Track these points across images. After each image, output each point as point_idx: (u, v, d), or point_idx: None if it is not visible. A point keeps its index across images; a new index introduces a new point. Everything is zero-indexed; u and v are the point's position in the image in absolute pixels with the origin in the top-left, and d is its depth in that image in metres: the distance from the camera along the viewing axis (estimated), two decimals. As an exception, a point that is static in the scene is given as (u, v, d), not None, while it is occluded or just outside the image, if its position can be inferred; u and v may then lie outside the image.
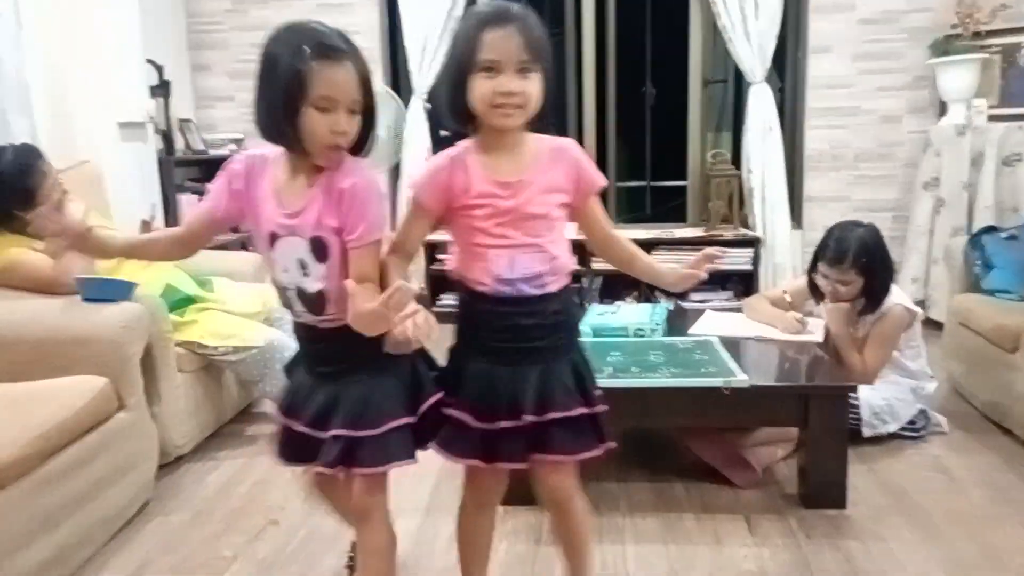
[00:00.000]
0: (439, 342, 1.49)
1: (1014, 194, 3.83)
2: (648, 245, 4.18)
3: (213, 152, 4.60)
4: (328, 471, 1.48)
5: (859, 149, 4.57)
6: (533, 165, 1.48)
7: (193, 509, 2.38)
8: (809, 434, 2.27)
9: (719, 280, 4.48)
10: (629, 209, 5.65)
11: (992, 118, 4.05)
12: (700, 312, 2.96)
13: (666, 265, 1.68)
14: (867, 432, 2.66)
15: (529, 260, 1.48)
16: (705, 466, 2.47)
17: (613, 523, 2.23)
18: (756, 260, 4.52)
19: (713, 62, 5.02)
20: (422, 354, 1.55)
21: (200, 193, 4.38)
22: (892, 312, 2.66)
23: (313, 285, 1.48)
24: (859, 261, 2.60)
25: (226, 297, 2.97)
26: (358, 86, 1.41)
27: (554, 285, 1.52)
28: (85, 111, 3.42)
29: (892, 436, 2.70)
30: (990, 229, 3.28)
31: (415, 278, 4.30)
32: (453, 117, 1.49)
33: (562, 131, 1.84)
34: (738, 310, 2.94)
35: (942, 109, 4.33)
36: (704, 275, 1.60)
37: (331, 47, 1.38)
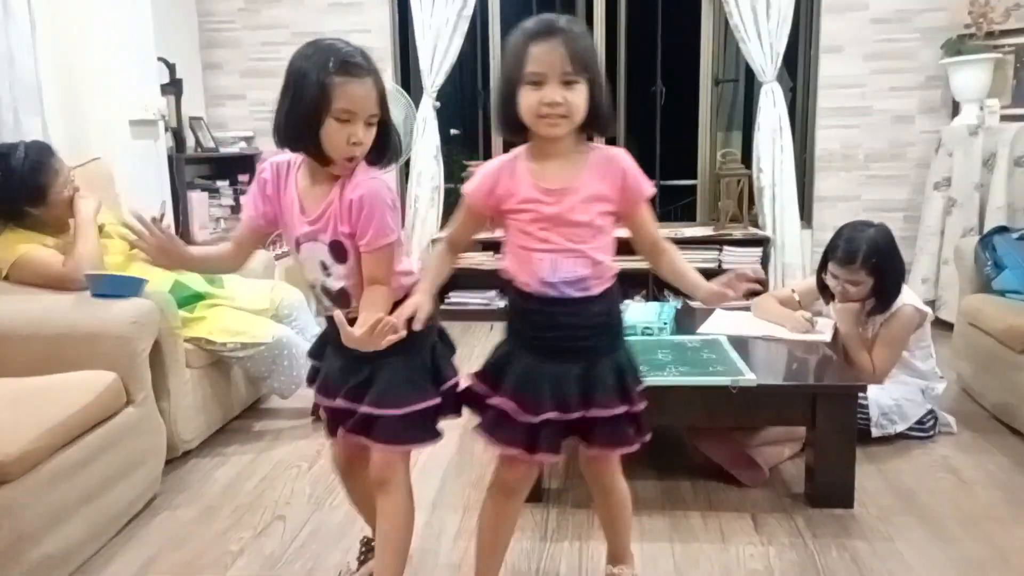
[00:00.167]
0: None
1: (1026, 195, 3.80)
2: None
3: (224, 150, 4.63)
4: (352, 436, 1.63)
5: (870, 149, 4.56)
6: (580, 173, 1.54)
7: (200, 504, 2.39)
8: (817, 434, 2.26)
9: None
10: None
11: (1005, 118, 4.03)
12: (708, 311, 2.96)
13: (704, 281, 1.64)
14: (876, 432, 2.64)
15: (571, 264, 1.54)
16: (712, 465, 2.46)
17: (619, 521, 2.22)
18: (765, 260, 4.51)
19: (724, 61, 5.01)
20: (441, 336, 1.71)
21: (210, 190, 4.41)
22: (902, 312, 2.65)
23: (335, 284, 1.62)
24: (869, 261, 2.58)
25: (235, 294, 2.98)
26: (376, 102, 1.53)
27: (597, 288, 1.57)
28: (97, 109, 3.44)
29: (900, 436, 2.69)
30: (1001, 230, 3.25)
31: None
32: (505, 127, 1.56)
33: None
34: (747, 309, 2.94)
35: (954, 109, 4.31)
36: (732, 294, 1.58)
37: (354, 64, 1.49)
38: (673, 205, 5.54)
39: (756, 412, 2.30)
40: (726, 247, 4.52)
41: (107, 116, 3.48)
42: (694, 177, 4.88)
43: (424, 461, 2.57)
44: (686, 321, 2.82)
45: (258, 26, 4.77)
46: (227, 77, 4.87)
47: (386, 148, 1.60)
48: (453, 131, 5.54)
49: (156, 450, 2.41)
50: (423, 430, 1.63)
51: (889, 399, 2.67)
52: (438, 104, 4.69)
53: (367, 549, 1.95)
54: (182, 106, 4.27)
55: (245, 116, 4.86)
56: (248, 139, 4.80)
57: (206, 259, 1.74)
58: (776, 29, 4.35)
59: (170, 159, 4.00)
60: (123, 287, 2.41)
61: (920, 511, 2.26)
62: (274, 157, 1.65)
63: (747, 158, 4.66)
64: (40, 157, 2.57)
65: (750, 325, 2.77)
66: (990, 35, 4.04)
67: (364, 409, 1.60)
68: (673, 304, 2.96)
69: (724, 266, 4.47)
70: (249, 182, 4.79)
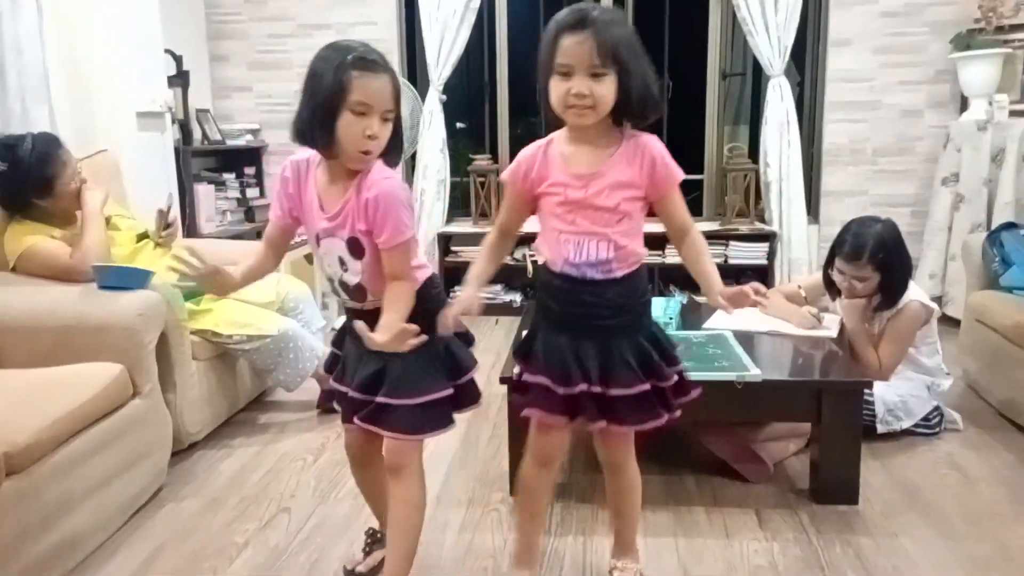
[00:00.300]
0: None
1: (1034, 191, 3.78)
2: (663, 239, 4.16)
3: (230, 142, 4.63)
4: (364, 425, 1.67)
5: (878, 144, 4.54)
6: (609, 160, 1.57)
7: (206, 496, 2.40)
8: (822, 430, 2.26)
9: (734, 274, 4.45)
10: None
11: (1014, 113, 4.00)
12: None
13: (719, 283, 1.66)
14: (881, 429, 2.64)
15: (595, 247, 1.58)
16: (716, 460, 2.46)
17: (623, 516, 2.22)
18: (772, 255, 4.50)
19: (731, 55, 4.99)
20: (458, 332, 1.71)
21: (216, 183, 4.41)
22: (909, 308, 2.64)
23: (352, 279, 1.66)
24: (876, 257, 2.58)
25: (241, 286, 2.98)
26: (391, 97, 1.57)
27: (620, 271, 1.61)
28: (104, 100, 3.44)
29: (906, 432, 2.69)
30: (1009, 226, 3.24)
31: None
32: (544, 114, 1.60)
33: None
34: (752, 304, 2.92)
35: (963, 104, 4.29)
36: (731, 311, 1.63)
37: (370, 60, 1.54)
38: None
39: (761, 407, 2.30)
40: (732, 242, 4.51)
41: (114, 108, 3.48)
42: (701, 171, 4.86)
43: (428, 455, 2.54)
44: (692, 316, 2.81)
45: (264, 18, 4.77)
46: (234, 69, 4.86)
47: (398, 146, 1.65)
48: (459, 124, 5.53)
49: (162, 442, 2.42)
50: (437, 419, 1.68)
51: (895, 395, 2.66)
52: (444, 97, 4.69)
53: (372, 541, 1.96)
54: (189, 98, 4.27)
55: (251, 108, 4.86)
56: (254, 131, 4.80)
57: (249, 275, 1.75)
58: (784, 22, 4.33)
59: (177, 151, 4.00)
60: (130, 279, 2.41)
61: (925, 508, 2.26)
62: (294, 156, 1.69)
63: (754, 152, 4.65)
64: (47, 148, 2.58)
65: (756, 320, 2.76)
66: (1000, 29, 4.01)
67: (380, 399, 1.64)
68: (679, 299, 2.95)
69: (730, 261, 4.47)
70: (256, 175, 4.83)
